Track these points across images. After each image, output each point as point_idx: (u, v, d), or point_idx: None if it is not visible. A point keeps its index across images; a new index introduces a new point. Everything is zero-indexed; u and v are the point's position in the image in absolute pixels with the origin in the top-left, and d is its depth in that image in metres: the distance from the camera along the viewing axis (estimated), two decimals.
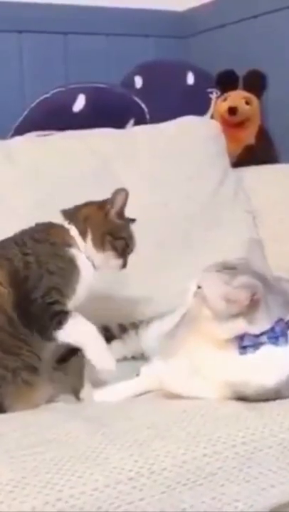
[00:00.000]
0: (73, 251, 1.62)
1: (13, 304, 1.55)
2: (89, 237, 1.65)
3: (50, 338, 1.54)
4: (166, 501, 1.23)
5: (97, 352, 1.52)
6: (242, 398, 1.45)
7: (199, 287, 1.47)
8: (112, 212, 1.67)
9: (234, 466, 1.31)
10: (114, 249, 1.66)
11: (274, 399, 1.45)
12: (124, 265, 1.70)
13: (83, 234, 1.65)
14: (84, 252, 1.64)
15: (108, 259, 1.67)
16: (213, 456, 1.30)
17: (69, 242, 1.63)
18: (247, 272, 1.47)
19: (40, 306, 1.54)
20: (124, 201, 1.67)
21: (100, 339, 1.54)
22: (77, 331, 1.53)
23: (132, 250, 1.71)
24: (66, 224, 1.66)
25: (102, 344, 1.54)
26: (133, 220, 1.73)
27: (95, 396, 1.54)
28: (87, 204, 1.70)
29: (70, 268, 1.60)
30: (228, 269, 1.48)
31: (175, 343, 1.60)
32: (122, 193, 1.66)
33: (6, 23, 2.50)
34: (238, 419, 1.37)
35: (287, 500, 1.37)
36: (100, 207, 1.68)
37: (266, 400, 1.45)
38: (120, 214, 1.68)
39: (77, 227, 1.65)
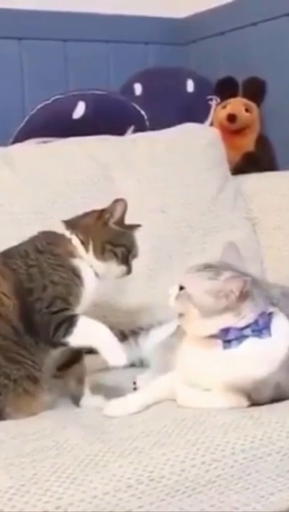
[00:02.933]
0: (76, 261, 1.63)
1: (18, 315, 1.55)
2: (90, 246, 1.65)
3: (59, 345, 1.55)
4: (165, 509, 1.23)
5: (108, 349, 1.53)
6: (248, 397, 1.47)
7: (182, 288, 1.48)
8: (111, 221, 1.68)
9: (233, 474, 1.31)
10: (115, 256, 1.67)
11: (278, 396, 1.47)
12: (128, 272, 1.70)
13: (85, 244, 1.65)
14: (86, 261, 1.64)
15: (110, 268, 1.67)
16: (212, 463, 1.30)
17: (72, 253, 1.64)
18: (229, 268, 1.50)
19: (45, 316, 1.54)
20: (123, 211, 1.68)
21: (110, 336, 1.54)
22: (88, 333, 1.54)
23: (135, 256, 1.72)
24: (68, 234, 1.66)
25: (113, 340, 1.54)
26: (137, 226, 1.74)
27: (105, 411, 1.51)
28: (87, 214, 1.71)
29: (74, 278, 1.61)
30: (208, 267, 1.50)
31: (171, 354, 1.62)
32: (121, 202, 1.67)
33: (5, 30, 2.50)
34: (237, 427, 1.37)
35: (287, 508, 1.37)
36: (99, 216, 1.69)
37: (272, 399, 1.47)
38: (120, 223, 1.69)
39: (78, 237, 1.66)
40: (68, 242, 1.65)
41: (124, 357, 1.53)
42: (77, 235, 1.66)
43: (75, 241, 1.65)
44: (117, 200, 1.68)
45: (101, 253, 1.65)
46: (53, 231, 1.68)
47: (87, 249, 1.65)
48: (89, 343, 1.54)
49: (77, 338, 1.53)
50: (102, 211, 1.69)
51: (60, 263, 1.61)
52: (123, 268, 1.69)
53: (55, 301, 1.56)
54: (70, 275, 1.61)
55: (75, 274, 1.61)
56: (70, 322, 1.53)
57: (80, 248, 1.65)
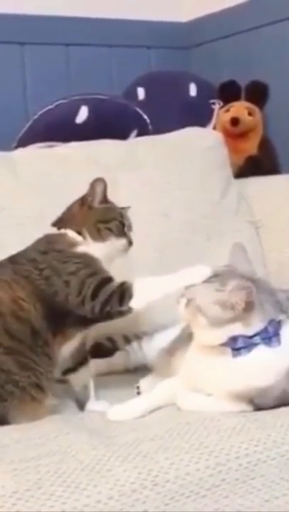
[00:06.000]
0: (81, 248, 1.64)
1: (42, 315, 1.56)
2: (87, 234, 1.66)
3: (123, 314, 1.57)
4: None
5: (177, 281, 1.55)
6: (251, 403, 1.47)
7: (190, 300, 1.48)
8: (95, 202, 1.69)
9: (237, 478, 1.31)
10: (111, 231, 1.67)
11: (284, 402, 1.47)
12: (129, 243, 1.71)
13: (81, 233, 1.66)
14: (88, 249, 1.64)
15: (112, 245, 1.67)
16: (217, 467, 1.30)
17: (73, 244, 1.65)
18: (235, 276, 1.48)
19: (89, 303, 1.55)
20: (103, 189, 1.69)
21: (165, 279, 1.56)
22: (145, 292, 1.56)
23: (130, 227, 1.72)
24: (62, 231, 1.68)
25: (172, 277, 1.56)
26: (127, 207, 1.76)
27: (109, 415, 1.52)
28: (70, 207, 1.72)
29: (87, 259, 1.61)
30: (214, 277, 1.50)
31: (174, 359, 1.61)
32: (100, 182, 1.69)
33: (8, 35, 2.50)
34: (241, 431, 1.37)
35: None
36: (82, 203, 1.70)
37: (278, 404, 1.47)
38: (104, 201, 1.70)
39: (72, 229, 1.67)
40: (65, 237, 1.66)
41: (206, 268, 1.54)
42: (70, 228, 1.67)
43: (70, 233, 1.66)
44: (95, 181, 1.69)
45: (97, 234, 1.66)
46: (48, 233, 1.69)
47: (84, 238, 1.65)
48: (156, 296, 1.55)
49: (138, 302, 1.55)
50: (83, 197, 1.70)
51: (67, 255, 1.61)
52: (123, 241, 1.69)
53: (86, 280, 1.56)
54: (82, 259, 1.61)
55: (87, 257, 1.62)
56: (122, 292, 1.54)
57: (77, 238, 1.65)
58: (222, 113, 2.60)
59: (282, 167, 2.56)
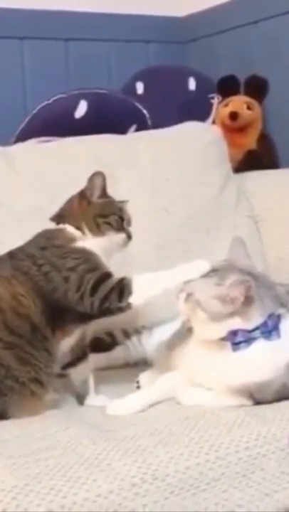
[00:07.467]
0: (79, 243, 1.63)
1: (41, 310, 1.55)
2: (86, 229, 1.65)
3: (122, 310, 1.57)
4: (170, 507, 1.23)
5: (175, 277, 1.54)
6: (251, 397, 1.47)
7: (189, 294, 1.48)
8: (94, 197, 1.68)
9: (237, 472, 1.31)
10: (111, 226, 1.67)
11: (284, 396, 1.47)
12: (128, 237, 1.70)
13: (80, 228, 1.65)
14: (87, 244, 1.64)
15: (111, 239, 1.67)
16: (216, 461, 1.30)
17: (71, 239, 1.64)
18: (235, 271, 1.48)
19: (88, 299, 1.54)
20: (102, 183, 1.68)
21: (164, 275, 1.55)
22: (144, 288, 1.55)
23: (129, 222, 1.72)
24: (61, 226, 1.67)
25: (171, 273, 1.55)
26: (125, 201, 1.75)
27: (108, 410, 1.52)
28: (68, 201, 1.71)
29: (86, 255, 1.61)
30: (213, 271, 1.49)
31: (174, 353, 1.61)
32: (99, 176, 1.68)
33: (7, 29, 2.50)
34: (240, 425, 1.37)
35: None
36: (81, 198, 1.69)
37: (277, 398, 1.47)
38: (102, 195, 1.69)
39: (71, 224, 1.66)
40: (64, 232, 1.65)
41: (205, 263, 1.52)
42: (69, 223, 1.66)
43: (69, 228, 1.65)
44: (93, 175, 1.68)
45: (97, 229, 1.65)
46: (47, 228, 1.68)
47: (83, 233, 1.65)
48: (154, 293, 1.54)
49: (137, 298, 1.54)
50: (82, 191, 1.69)
51: (66, 251, 1.61)
52: (122, 235, 1.69)
53: (85, 276, 1.55)
54: (81, 254, 1.60)
55: (86, 252, 1.61)
56: (121, 288, 1.54)
57: (76, 233, 1.65)
58: (221, 107, 2.60)
59: (282, 162, 2.55)
